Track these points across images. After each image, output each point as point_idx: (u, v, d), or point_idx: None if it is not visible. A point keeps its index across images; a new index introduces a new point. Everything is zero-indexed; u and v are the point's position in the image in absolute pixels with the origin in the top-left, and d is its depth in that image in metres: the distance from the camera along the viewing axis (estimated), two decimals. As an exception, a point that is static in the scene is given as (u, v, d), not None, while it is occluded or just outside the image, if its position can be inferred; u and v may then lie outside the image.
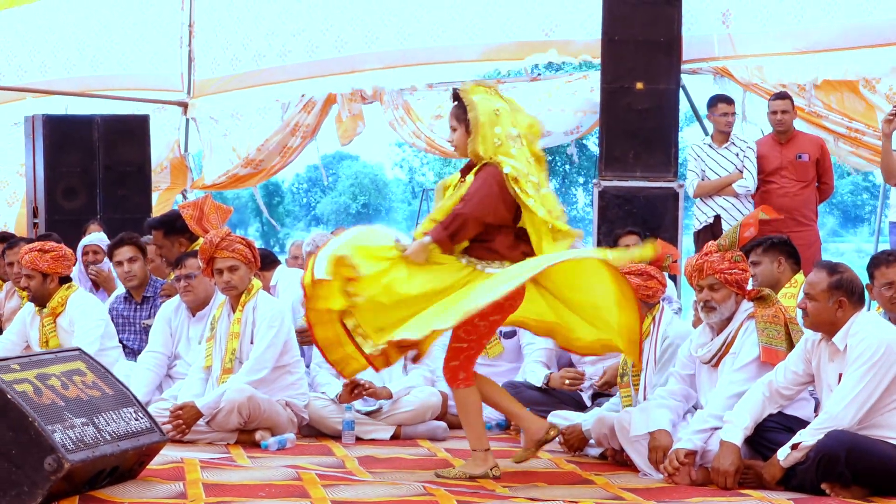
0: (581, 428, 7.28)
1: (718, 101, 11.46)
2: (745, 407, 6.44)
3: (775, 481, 6.23)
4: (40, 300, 8.74)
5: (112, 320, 9.27)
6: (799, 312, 6.57)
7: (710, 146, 11.33)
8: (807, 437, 6.14)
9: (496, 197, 6.47)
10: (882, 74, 11.72)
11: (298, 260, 11.25)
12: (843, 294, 6.26)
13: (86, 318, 8.65)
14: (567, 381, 8.24)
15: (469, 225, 6.44)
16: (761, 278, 7.78)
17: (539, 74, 14.03)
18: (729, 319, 6.80)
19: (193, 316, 8.56)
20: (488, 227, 6.49)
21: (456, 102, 6.64)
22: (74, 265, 10.84)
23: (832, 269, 6.36)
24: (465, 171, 6.67)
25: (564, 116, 13.31)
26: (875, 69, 11.78)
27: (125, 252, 9.32)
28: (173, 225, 9.46)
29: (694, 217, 11.44)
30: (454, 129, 6.62)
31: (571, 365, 8.52)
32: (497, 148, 6.52)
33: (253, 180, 15.70)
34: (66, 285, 8.79)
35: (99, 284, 10.56)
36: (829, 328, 6.28)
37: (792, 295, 7.55)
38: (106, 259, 10.38)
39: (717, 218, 11.23)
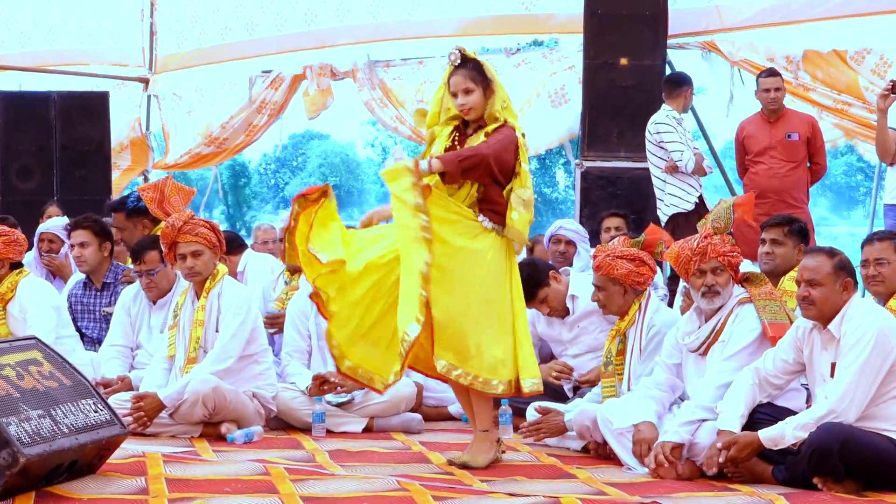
0: (562, 417, 7.28)
1: (691, 83, 11.42)
2: (737, 395, 6.43)
3: (748, 459, 6.24)
4: None
5: (70, 307, 9.24)
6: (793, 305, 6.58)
7: (676, 119, 11.23)
8: (797, 422, 6.15)
9: (511, 155, 6.58)
10: (871, 45, 11.76)
11: (267, 245, 11.23)
12: (848, 275, 6.31)
13: (38, 306, 8.50)
14: (554, 374, 8.24)
15: (482, 166, 6.48)
16: (780, 260, 7.87)
17: (519, 49, 14.03)
18: (720, 306, 6.81)
19: (154, 304, 8.54)
20: (492, 186, 6.57)
21: (462, 64, 6.65)
22: (28, 251, 10.77)
23: (830, 251, 6.40)
24: (473, 131, 6.69)
25: (561, 120, 13.32)
26: (864, 39, 11.82)
27: (78, 235, 9.27)
28: (135, 205, 9.43)
29: (669, 196, 11.18)
30: (469, 92, 6.61)
31: (553, 358, 8.53)
32: (504, 110, 6.67)
33: (216, 159, 15.70)
34: (17, 271, 8.65)
35: (54, 273, 10.51)
36: (832, 315, 6.29)
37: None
38: (64, 248, 10.34)
39: (701, 198, 11.21)
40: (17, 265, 8.69)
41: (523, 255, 10.13)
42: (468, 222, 6.55)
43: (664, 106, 11.25)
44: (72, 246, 9.32)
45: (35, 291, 8.59)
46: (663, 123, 11.06)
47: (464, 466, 6.63)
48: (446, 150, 6.67)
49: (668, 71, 12.28)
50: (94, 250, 9.25)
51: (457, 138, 6.72)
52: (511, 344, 6.60)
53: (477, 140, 6.62)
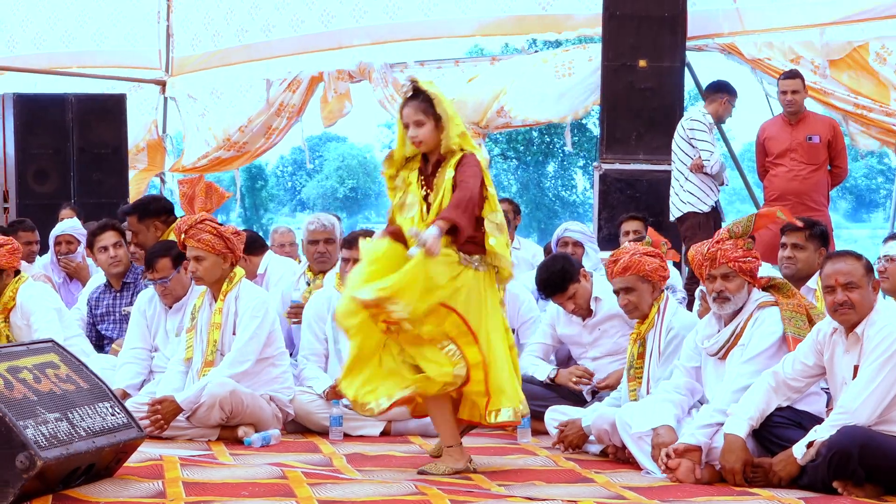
0: (580, 424, 7.30)
1: (733, 93, 11.39)
2: (750, 398, 6.44)
3: (790, 478, 6.24)
4: None
5: (91, 311, 9.26)
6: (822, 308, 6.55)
7: (710, 122, 11.22)
8: (823, 434, 6.15)
9: (480, 188, 6.56)
10: (893, 46, 11.74)
11: (284, 248, 11.26)
12: (873, 275, 6.32)
13: (40, 311, 8.39)
14: (574, 379, 8.25)
15: (474, 210, 6.52)
16: (801, 265, 7.83)
17: (536, 51, 14.04)
18: (739, 309, 6.81)
19: (170, 308, 8.54)
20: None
21: (414, 95, 6.64)
22: (43, 254, 10.81)
23: (855, 254, 6.41)
24: (433, 168, 6.68)
25: (564, 94, 13.32)
26: (887, 42, 11.80)
27: (109, 237, 9.30)
28: (147, 208, 9.45)
29: (686, 193, 11.11)
30: (421, 124, 6.60)
31: (570, 360, 8.54)
32: (462, 138, 6.65)
33: (235, 163, 15.71)
34: (17, 277, 8.52)
35: (72, 275, 10.54)
36: (865, 317, 6.29)
37: None
38: (80, 248, 10.36)
39: (717, 204, 11.20)
40: (16, 271, 8.61)
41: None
42: (453, 265, 6.55)
43: (701, 107, 11.29)
44: (104, 248, 9.31)
45: (35, 296, 8.49)
46: (698, 122, 11.08)
47: (422, 472, 6.62)
48: (423, 198, 6.66)
49: (686, 73, 12.29)
50: (126, 250, 9.30)
51: (423, 182, 6.70)
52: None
53: (443, 177, 6.60)
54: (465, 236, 6.50)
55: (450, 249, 6.51)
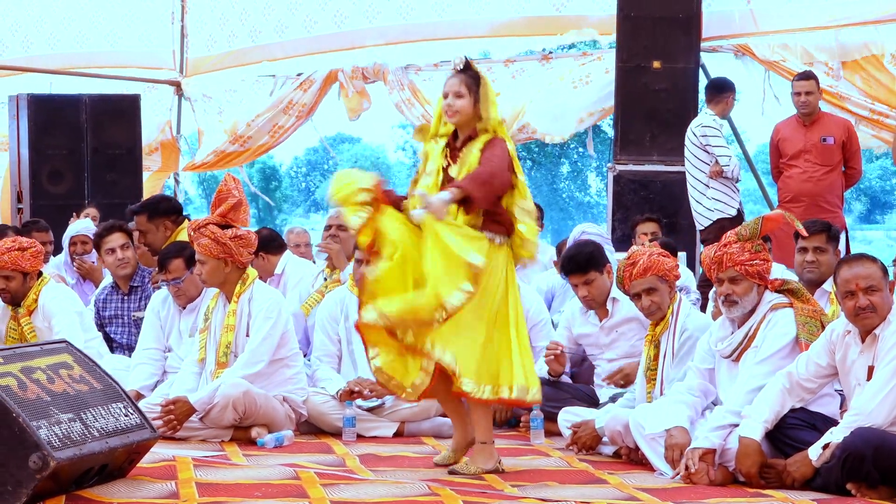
0: (594, 425, 7.29)
1: (734, 89, 11.36)
2: (764, 400, 6.42)
3: (804, 480, 6.22)
4: (18, 299, 8.55)
5: (99, 313, 9.26)
6: (841, 314, 6.52)
7: (719, 124, 11.19)
8: (838, 436, 6.13)
9: (509, 171, 6.60)
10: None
11: (300, 248, 11.27)
12: (888, 276, 6.30)
13: (61, 313, 8.48)
14: (546, 353, 8.26)
15: (497, 189, 6.51)
16: (825, 267, 7.80)
17: (550, 53, 14.03)
18: (751, 312, 6.79)
19: (183, 308, 8.55)
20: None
21: (463, 71, 6.67)
22: (57, 255, 10.83)
23: (870, 256, 6.39)
24: (462, 143, 6.68)
25: (578, 99, 13.32)
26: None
27: (117, 239, 9.28)
28: (157, 207, 9.45)
29: (711, 201, 11.12)
30: (461, 97, 6.62)
31: (584, 361, 8.53)
32: (499, 124, 6.70)
33: (240, 158, 15.67)
34: (40, 279, 8.61)
35: (85, 276, 10.54)
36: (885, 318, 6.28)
37: None
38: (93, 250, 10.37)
39: (741, 206, 11.16)
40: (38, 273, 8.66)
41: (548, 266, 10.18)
42: (477, 242, 6.52)
43: (706, 110, 11.22)
44: (111, 250, 9.30)
45: (56, 298, 8.58)
46: (710, 127, 11.01)
47: (453, 472, 6.63)
48: (442, 168, 6.67)
49: (701, 74, 12.27)
50: (134, 251, 9.30)
51: (448, 154, 6.71)
52: (508, 354, 6.59)
53: (470, 153, 6.62)
54: (476, 209, 6.48)
55: (480, 233, 6.53)
